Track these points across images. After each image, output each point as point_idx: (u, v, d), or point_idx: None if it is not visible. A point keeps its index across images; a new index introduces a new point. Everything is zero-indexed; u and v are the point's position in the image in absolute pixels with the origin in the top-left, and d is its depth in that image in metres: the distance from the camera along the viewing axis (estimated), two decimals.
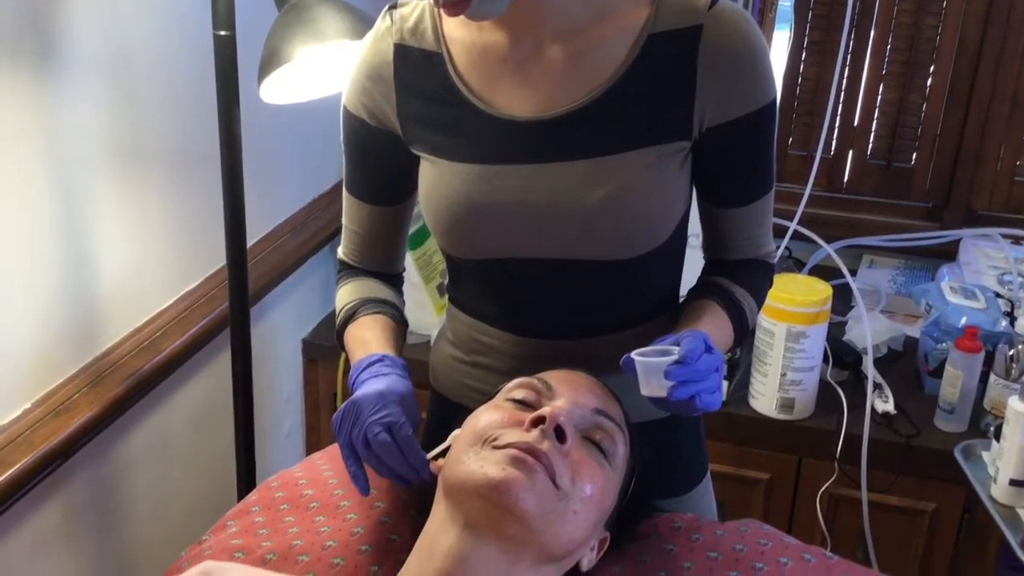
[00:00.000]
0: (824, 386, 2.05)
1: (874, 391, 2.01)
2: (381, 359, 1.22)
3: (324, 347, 2.31)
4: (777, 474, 2.06)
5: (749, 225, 1.31)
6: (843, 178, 2.62)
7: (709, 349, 1.09)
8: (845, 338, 2.19)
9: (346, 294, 1.38)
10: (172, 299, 1.81)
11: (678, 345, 1.09)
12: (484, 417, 1.10)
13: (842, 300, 2.18)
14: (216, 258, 1.85)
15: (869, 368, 1.98)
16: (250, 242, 1.98)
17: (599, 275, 1.25)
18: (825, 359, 2.05)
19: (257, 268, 1.98)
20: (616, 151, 1.19)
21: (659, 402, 1.10)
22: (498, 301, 1.32)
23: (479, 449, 1.06)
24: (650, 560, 1.17)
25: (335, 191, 2.36)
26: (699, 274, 1.37)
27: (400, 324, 1.36)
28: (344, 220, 1.40)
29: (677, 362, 1.06)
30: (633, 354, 1.09)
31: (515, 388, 1.16)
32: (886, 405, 2.02)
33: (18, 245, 1.44)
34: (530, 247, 1.24)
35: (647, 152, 1.19)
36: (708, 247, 1.36)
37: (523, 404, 1.13)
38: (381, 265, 1.42)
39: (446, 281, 2.27)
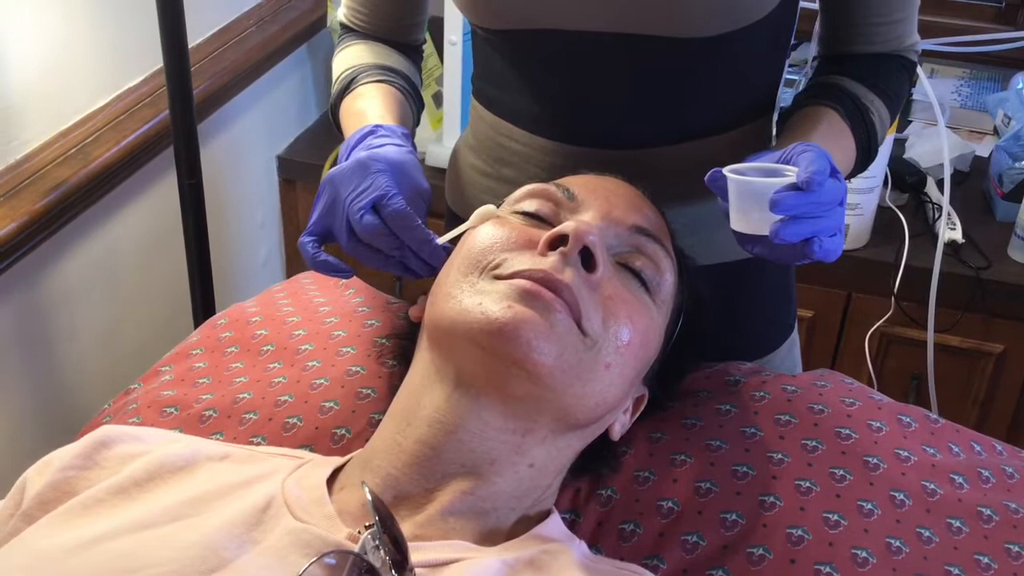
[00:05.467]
0: (881, 212, 1.79)
1: (939, 217, 1.73)
2: (373, 130, 0.92)
3: (303, 165, 2.05)
4: (822, 311, 1.84)
5: (888, 4, 0.97)
6: None
7: (834, 173, 0.77)
8: (906, 156, 1.89)
9: (343, 61, 1.08)
10: (106, 98, 1.53)
11: (788, 163, 0.77)
12: (483, 235, 0.80)
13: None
14: (159, 51, 1.52)
15: (946, 186, 1.68)
16: (204, 35, 1.70)
17: (674, 58, 0.93)
18: (883, 181, 1.77)
19: (213, 65, 1.69)
20: None
21: (753, 242, 0.79)
22: (534, 93, 1.00)
23: (476, 279, 0.77)
24: (701, 424, 0.90)
25: None
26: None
27: (410, 98, 1.06)
28: None
29: (793, 188, 0.74)
30: (727, 170, 0.77)
31: (525, 197, 0.86)
32: (953, 233, 1.77)
33: None
34: (581, 13, 0.92)
35: None
36: (827, 37, 1.03)
37: (537, 219, 0.83)
38: (393, 28, 1.10)
39: (443, 89, 2.00)
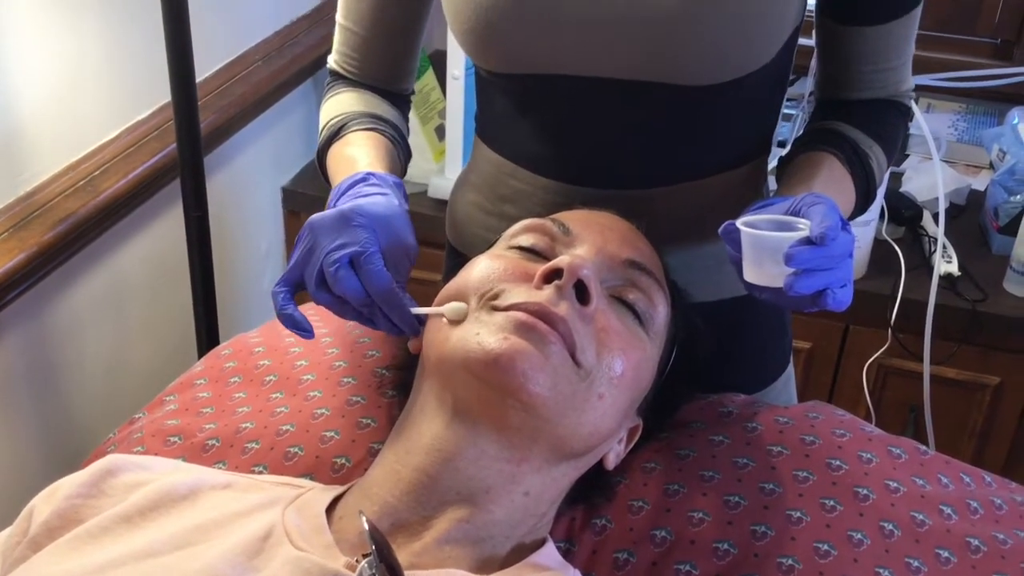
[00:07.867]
0: (878, 245, 1.81)
1: (935, 250, 1.74)
2: (365, 178, 0.91)
3: (307, 196, 2.07)
4: (819, 343, 1.85)
5: (885, 52, 0.99)
6: None
7: (844, 225, 0.79)
8: (902, 190, 1.91)
9: (332, 108, 1.07)
10: (116, 131, 1.55)
11: (798, 215, 0.79)
12: (480, 268, 0.83)
13: None
14: (168, 84, 1.55)
15: (941, 219, 1.70)
16: (211, 69, 1.74)
17: (675, 105, 0.95)
18: (880, 214, 1.80)
19: (221, 99, 1.72)
20: None
21: (761, 291, 0.81)
22: (537, 134, 1.02)
23: (473, 310, 0.80)
24: (695, 455, 0.92)
25: (318, 13, 2.08)
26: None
27: (400, 147, 1.05)
28: (339, 15, 1.09)
29: (807, 242, 0.76)
30: (740, 222, 0.79)
31: (522, 232, 0.88)
32: (950, 266, 1.78)
33: None
34: (585, 60, 0.94)
35: None
36: (824, 82, 1.04)
37: (532, 253, 0.86)
38: (385, 77, 1.10)
39: (445, 122, 2.03)
